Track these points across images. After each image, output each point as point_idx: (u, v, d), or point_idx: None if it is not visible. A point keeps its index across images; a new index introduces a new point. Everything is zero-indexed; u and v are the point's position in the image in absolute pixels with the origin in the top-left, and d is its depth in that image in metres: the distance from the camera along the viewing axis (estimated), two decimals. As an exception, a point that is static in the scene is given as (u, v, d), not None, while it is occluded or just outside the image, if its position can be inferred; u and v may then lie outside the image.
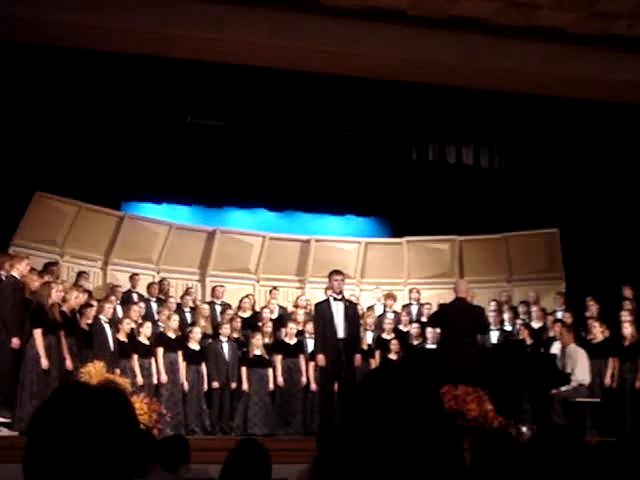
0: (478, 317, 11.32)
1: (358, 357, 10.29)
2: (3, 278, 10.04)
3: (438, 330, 12.47)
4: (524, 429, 10.30)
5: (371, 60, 10.76)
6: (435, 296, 14.55)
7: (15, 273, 10.05)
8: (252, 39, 10.27)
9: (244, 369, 11.74)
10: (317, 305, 10.76)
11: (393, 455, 1.57)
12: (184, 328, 12.11)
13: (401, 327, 13.30)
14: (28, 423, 1.72)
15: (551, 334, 12.38)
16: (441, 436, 1.61)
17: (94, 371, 9.63)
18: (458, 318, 10.64)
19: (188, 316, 12.85)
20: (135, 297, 13.06)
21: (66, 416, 1.65)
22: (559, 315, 12.95)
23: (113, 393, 1.74)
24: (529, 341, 12.25)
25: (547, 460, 2.55)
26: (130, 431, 1.70)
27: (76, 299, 10.72)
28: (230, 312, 12.87)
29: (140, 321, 11.59)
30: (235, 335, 12.25)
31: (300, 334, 12.27)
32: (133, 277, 13.55)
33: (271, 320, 12.65)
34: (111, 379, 9.45)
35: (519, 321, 13.15)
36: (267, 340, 12.06)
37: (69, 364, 9.97)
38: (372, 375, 1.77)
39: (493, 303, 13.64)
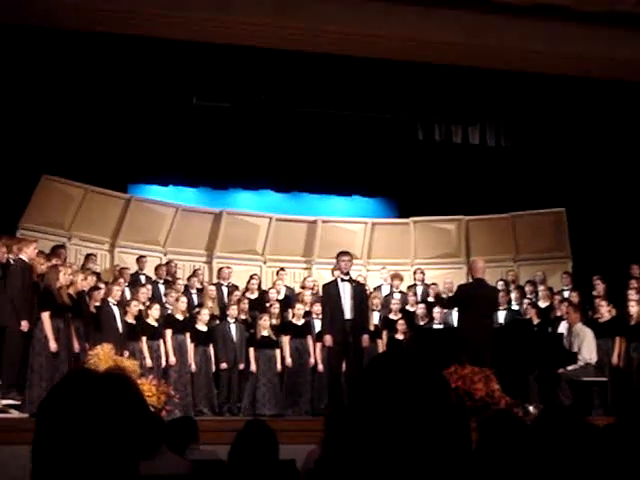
0: (495, 298, 11.36)
1: (365, 337, 10.30)
2: (11, 262, 10.08)
3: (446, 310, 12.55)
4: (531, 408, 10.33)
5: (377, 40, 10.71)
6: (442, 276, 14.59)
7: (23, 256, 10.09)
8: (258, 20, 10.23)
9: (252, 350, 11.78)
10: (325, 286, 10.78)
11: (400, 436, 1.58)
12: (191, 310, 12.15)
13: (408, 307, 13.33)
14: (37, 406, 1.75)
15: (558, 313, 12.39)
16: (447, 417, 1.63)
17: (102, 353, 9.68)
18: (478, 299, 10.61)
19: (195, 298, 12.89)
20: (143, 279, 13.10)
21: (74, 402, 1.67)
22: (566, 294, 12.96)
23: (121, 379, 1.76)
24: (536, 320, 12.26)
25: (552, 440, 2.57)
26: (138, 416, 1.72)
27: (83, 282, 10.77)
28: (237, 293, 12.89)
29: (148, 303, 11.62)
30: (242, 316, 12.28)
31: (307, 315, 12.29)
32: (140, 259, 13.59)
33: (278, 301, 12.68)
34: (119, 365, 9.49)
35: (526, 301, 13.16)
36: (274, 321, 12.09)
37: (77, 347, 10.01)
38: (379, 358, 1.79)
39: (500, 283, 13.66)
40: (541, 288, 13.49)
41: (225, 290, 13.34)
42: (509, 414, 3.86)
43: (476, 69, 11.99)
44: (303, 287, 13.54)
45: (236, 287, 13.39)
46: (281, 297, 13.22)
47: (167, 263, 13.93)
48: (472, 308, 10.57)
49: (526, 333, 11.45)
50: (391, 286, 14.16)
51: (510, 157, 15.59)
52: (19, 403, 9.39)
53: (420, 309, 13.00)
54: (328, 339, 10.20)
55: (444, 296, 13.51)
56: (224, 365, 11.74)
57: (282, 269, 14.40)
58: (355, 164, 15.93)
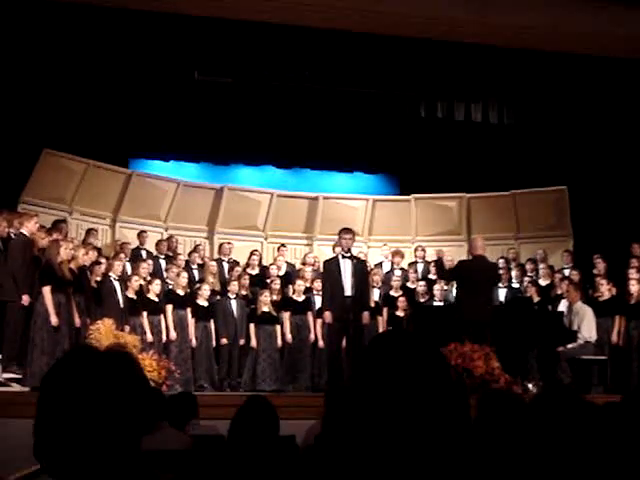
0: (496, 274, 11.34)
1: (366, 314, 10.31)
2: (12, 236, 10.08)
3: (445, 286, 12.54)
4: (530, 386, 10.37)
5: (380, 16, 10.66)
6: (442, 253, 14.58)
7: (24, 231, 10.10)
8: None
9: (252, 326, 11.81)
10: (325, 262, 10.79)
11: (400, 413, 1.59)
12: (192, 285, 12.17)
13: (409, 284, 13.34)
14: (39, 380, 1.76)
15: (558, 292, 12.42)
16: (446, 394, 1.63)
17: (103, 328, 9.71)
18: (478, 276, 10.61)
19: (196, 273, 12.91)
20: (144, 254, 13.10)
21: (76, 378, 1.68)
22: (566, 273, 12.97)
23: (122, 356, 1.77)
24: (536, 299, 12.28)
25: (550, 418, 2.58)
26: (139, 392, 1.73)
27: (85, 256, 10.77)
28: (238, 269, 12.91)
29: (149, 278, 11.64)
30: (243, 292, 12.30)
31: (308, 291, 12.31)
32: (141, 234, 13.59)
33: (279, 277, 12.70)
34: (120, 341, 9.52)
35: (527, 279, 13.17)
36: (275, 297, 12.11)
37: (78, 321, 10.03)
38: (380, 336, 1.80)
39: (501, 260, 13.65)
40: (542, 266, 13.49)
41: (226, 266, 13.36)
42: (508, 392, 3.88)
43: (479, 46, 11.94)
44: (304, 263, 13.55)
45: (237, 263, 13.41)
46: (282, 273, 13.24)
47: (168, 238, 13.93)
48: (471, 285, 10.58)
49: (526, 311, 11.47)
50: (392, 263, 14.17)
51: (512, 135, 15.54)
52: (20, 377, 9.43)
53: (421, 286, 13.02)
54: (328, 316, 10.22)
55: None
56: (224, 340, 11.78)
57: (283, 245, 14.41)
58: (357, 140, 15.89)
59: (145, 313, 11.15)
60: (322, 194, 15.67)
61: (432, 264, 13.86)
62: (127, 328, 10.60)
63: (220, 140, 15.39)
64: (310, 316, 12.02)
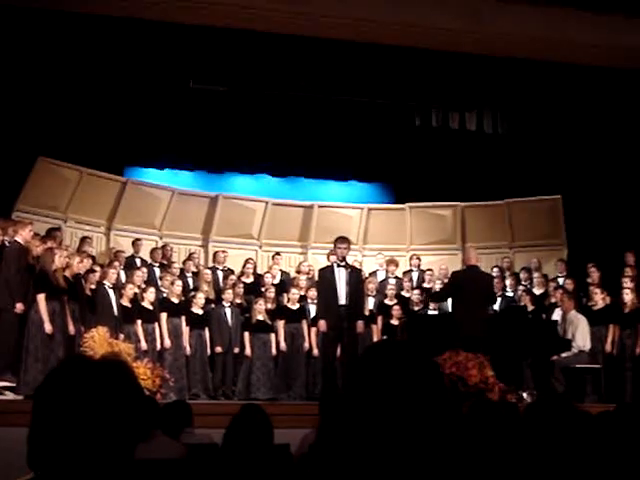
0: (490, 286, 11.32)
1: (360, 323, 10.32)
2: (7, 244, 10.07)
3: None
4: (525, 395, 10.38)
5: (375, 25, 10.68)
6: (437, 262, 14.61)
7: (19, 239, 10.08)
8: (254, 3, 10.20)
9: (247, 334, 11.80)
10: (320, 271, 10.81)
11: (393, 422, 1.60)
12: (187, 293, 12.17)
13: (403, 293, 13.35)
14: (33, 388, 1.77)
15: (552, 300, 12.44)
16: (439, 404, 1.64)
17: (98, 336, 9.69)
18: (472, 286, 10.60)
19: (190, 281, 12.91)
20: (138, 262, 13.09)
21: (70, 388, 1.68)
22: (560, 282, 12.99)
23: (117, 365, 1.77)
24: (530, 307, 12.29)
25: (544, 427, 2.59)
26: (134, 401, 1.73)
27: (79, 264, 10.76)
28: (233, 277, 12.91)
29: (143, 286, 11.63)
30: (238, 300, 12.30)
31: (302, 299, 12.31)
32: (136, 242, 13.58)
33: (273, 285, 12.70)
34: (114, 349, 9.51)
35: (521, 287, 13.19)
36: (270, 305, 12.11)
37: (72, 329, 10.02)
38: (374, 345, 1.81)
39: (495, 269, 13.66)
40: (536, 275, 13.51)
41: (220, 274, 13.36)
42: (501, 401, 3.88)
43: (474, 55, 11.96)
44: (298, 272, 13.56)
45: (231, 271, 13.41)
46: (276, 281, 13.24)
47: (163, 246, 13.92)
48: (465, 295, 10.58)
49: (520, 320, 11.47)
50: (386, 271, 14.18)
51: (507, 144, 15.56)
52: (14, 385, 9.40)
53: (415, 295, 13.02)
54: (322, 324, 10.24)
55: (437, 286, 13.31)
56: (219, 349, 11.77)
57: (278, 253, 14.41)
58: (352, 149, 15.90)
59: (139, 321, 11.15)
60: (317, 202, 15.68)
61: (426, 272, 13.88)
62: (121, 336, 10.59)
63: (215, 148, 15.39)
64: (305, 324, 12.02)
